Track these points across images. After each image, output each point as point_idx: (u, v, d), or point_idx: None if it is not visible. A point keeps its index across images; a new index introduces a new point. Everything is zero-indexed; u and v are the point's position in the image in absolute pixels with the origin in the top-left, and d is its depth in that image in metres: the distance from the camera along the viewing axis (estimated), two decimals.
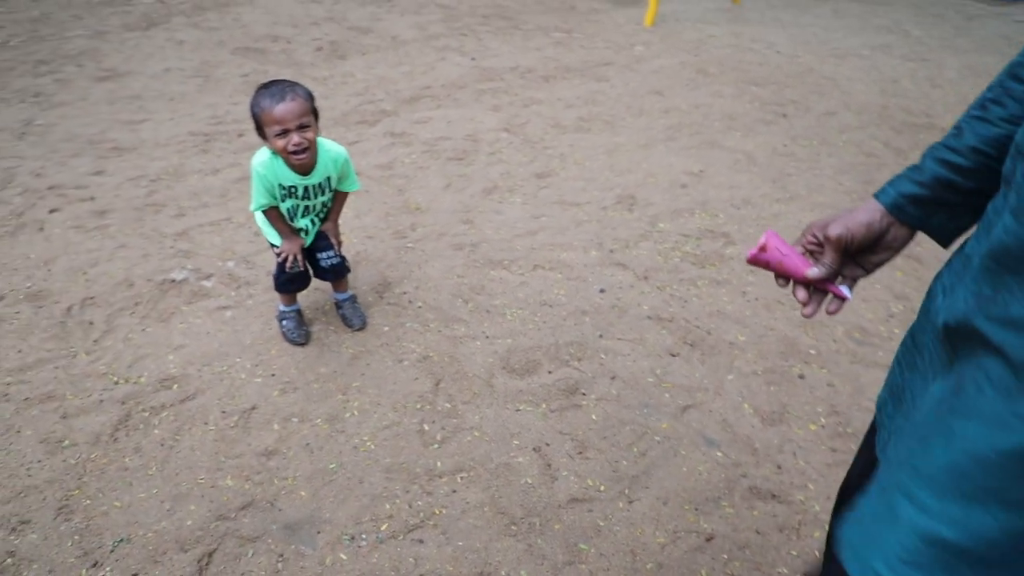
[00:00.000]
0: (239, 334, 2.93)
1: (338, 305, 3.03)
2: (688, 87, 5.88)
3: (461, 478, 2.33)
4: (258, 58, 6.45)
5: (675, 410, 2.62)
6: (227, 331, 2.94)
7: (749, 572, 2.10)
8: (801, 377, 2.82)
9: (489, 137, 4.80)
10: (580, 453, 2.43)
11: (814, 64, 6.63)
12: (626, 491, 2.31)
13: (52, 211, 3.81)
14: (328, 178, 2.59)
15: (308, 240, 2.76)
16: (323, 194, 2.62)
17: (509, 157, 4.52)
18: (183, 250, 3.47)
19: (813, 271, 1.20)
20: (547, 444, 2.46)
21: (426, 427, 2.51)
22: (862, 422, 2.63)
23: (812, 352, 2.95)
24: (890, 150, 4.85)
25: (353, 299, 3.04)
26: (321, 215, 2.73)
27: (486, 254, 3.48)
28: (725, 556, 2.13)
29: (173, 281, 3.24)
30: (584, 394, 2.67)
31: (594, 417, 2.57)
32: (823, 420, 2.63)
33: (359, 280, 3.27)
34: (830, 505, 2.31)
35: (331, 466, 2.35)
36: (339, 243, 2.80)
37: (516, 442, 2.46)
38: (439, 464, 2.37)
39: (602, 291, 3.24)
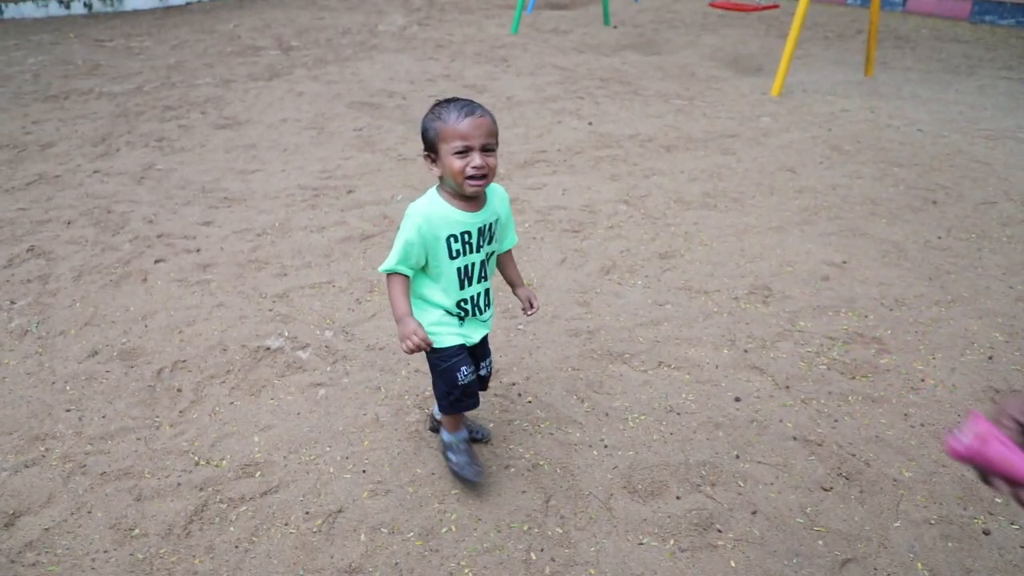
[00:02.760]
0: (331, 418, 2.67)
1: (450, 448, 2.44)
2: (822, 165, 5.43)
3: None
4: (372, 112, 6.43)
5: (832, 563, 2.16)
6: (319, 413, 2.69)
7: None
8: (986, 533, 2.31)
9: (607, 209, 4.50)
10: None
11: (963, 145, 6.05)
12: None
13: (158, 261, 3.72)
14: (496, 220, 2.15)
15: (477, 333, 2.25)
16: (490, 243, 2.16)
17: (629, 233, 4.19)
18: (281, 314, 3.28)
19: None
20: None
21: (533, 556, 2.14)
22: None
23: (998, 501, 2.43)
24: None
25: None
26: (488, 283, 2.24)
27: (604, 344, 3.13)
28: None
29: (268, 349, 3.04)
30: (720, 531, 2.25)
31: (733, 564, 2.14)
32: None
33: None
34: None
35: None
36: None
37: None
38: None
39: (738, 400, 2.82)
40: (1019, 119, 6.91)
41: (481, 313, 2.24)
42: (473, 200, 2.08)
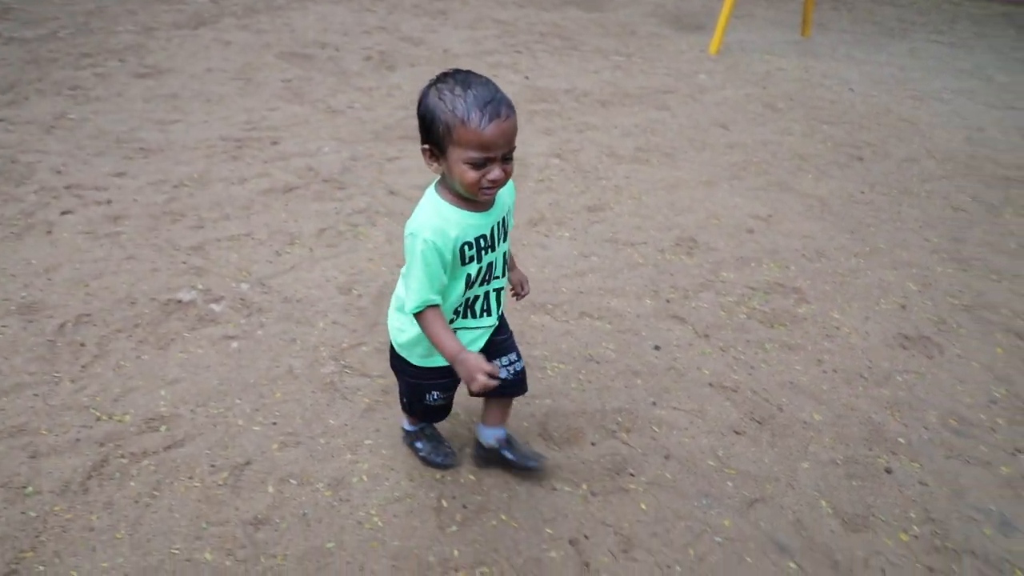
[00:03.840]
0: (243, 370, 2.59)
1: (503, 447, 2.17)
2: (755, 122, 5.46)
3: (481, 573, 1.94)
4: (303, 64, 6.21)
5: (740, 504, 2.20)
6: (230, 365, 2.61)
7: None
8: (888, 471, 2.38)
9: (539, 163, 4.44)
10: (625, 552, 2.03)
11: (891, 105, 6.17)
12: None
13: (64, 213, 3.54)
14: (508, 212, 1.85)
15: (482, 340, 1.96)
16: (505, 239, 1.85)
17: (559, 186, 4.15)
18: (195, 267, 3.16)
19: None
20: (586, 537, 2.06)
21: (444, 503, 2.13)
22: (963, 535, 2.18)
23: (901, 441, 2.51)
24: (980, 205, 4.37)
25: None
26: (500, 283, 1.93)
27: (529, 295, 3.10)
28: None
29: (179, 302, 2.92)
30: (633, 475, 2.27)
31: (644, 506, 2.16)
32: (916, 529, 2.19)
33: (384, 316, 2.92)
34: None
35: (328, 545, 1.98)
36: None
37: (549, 531, 2.07)
38: (456, 553, 1.99)
39: (657, 348, 2.84)
40: (945, 81, 7.06)
41: (475, 317, 1.90)
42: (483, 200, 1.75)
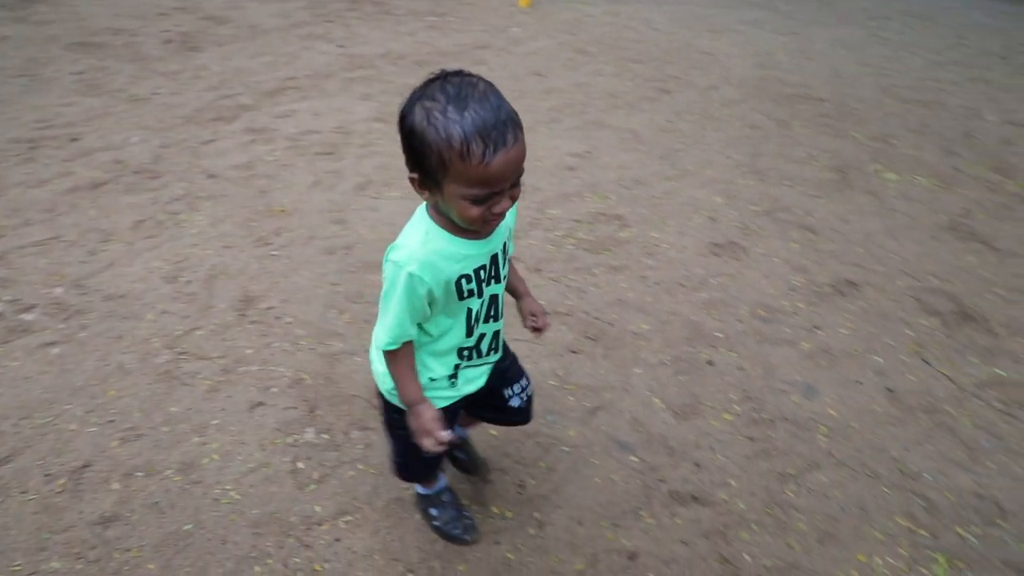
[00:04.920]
0: (69, 375, 2.45)
1: (459, 445, 2.09)
2: (568, 67, 5.68)
3: (345, 523, 1.99)
4: (96, 53, 5.76)
5: (582, 414, 2.38)
6: (53, 372, 2.46)
7: None
8: (710, 363, 2.64)
9: (361, 128, 4.42)
10: (481, 476, 2.14)
11: (692, 40, 6.59)
12: (536, 514, 2.04)
13: None
14: (509, 235, 1.57)
15: (474, 382, 1.69)
16: (506, 264, 1.57)
17: (384, 149, 4.16)
18: None
19: None
20: (442, 470, 2.15)
21: (300, 465, 2.15)
22: (776, 406, 2.48)
23: (719, 335, 2.78)
24: (773, 121, 4.81)
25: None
26: (501, 321, 1.64)
27: (362, 257, 3.13)
28: (652, 575, 1.90)
29: None
30: None
31: (494, 432, 2.29)
32: (737, 408, 2.46)
33: (216, 299, 2.85)
34: (755, 502, 2.14)
35: (186, 527, 1.96)
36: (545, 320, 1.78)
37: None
38: (318, 509, 2.02)
39: None
40: (739, 14, 7.62)
41: (481, 356, 1.65)
42: None
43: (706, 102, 5.07)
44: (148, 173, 3.81)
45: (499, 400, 1.79)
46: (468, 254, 1.43)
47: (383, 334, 1.47)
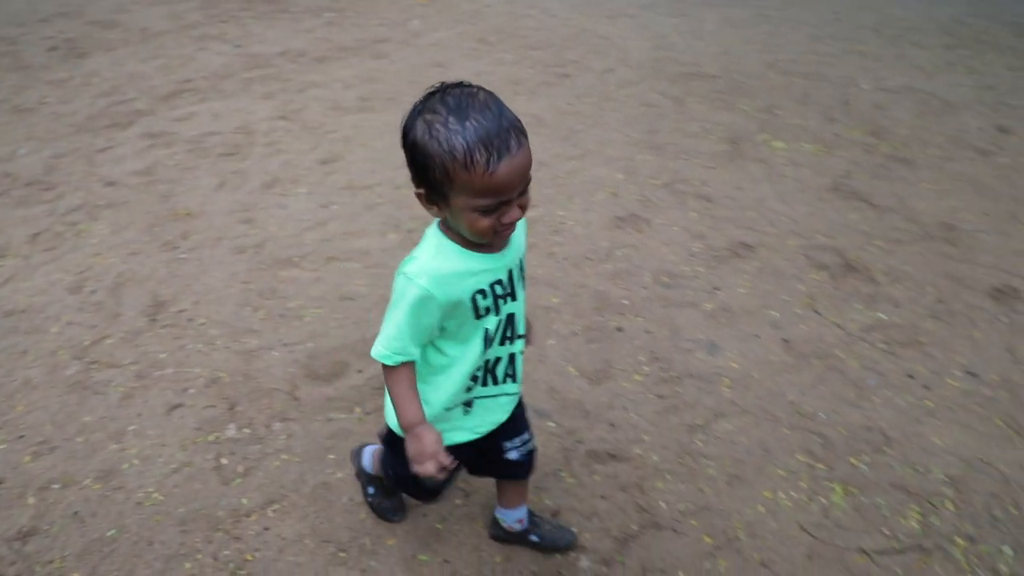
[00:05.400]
0: None
1: (529, 530, 1.94)
2: (469, 57, 5.75)
3: (273, 511, 2.02)
4: None
5: None
6: None
7: (600, 540, 2.00)
8: (619, 330, 2.78)
9: (263, 127, 4.37)
10: None
11: (588, 25, 6.75)
12: (461, 485, 2.11)
13: None
14: (519, 244, 1.51)
15: (489, 418, 1.63)
16: (522, 281, 1.52)
17: (288, 146, 4.13)
18: None
19: None
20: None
21: (224, 461, 2.16)
22: (682, 364, 2.63)
23: (625, 303, 2.92)
24: (668, 99, 5.00)
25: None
26: (516, 334, 1.56)
27: (272, 253, 3.12)
28: (574, 529, 2.00)
29: None
30: None
31: None
32: (646, 369, 2.59)
33: (124, 306, 2.80)
34: (668, 454, 2.27)
35: (110, 533, 1.95)
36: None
37: (332, 456, 2.18)
38: (245, 501, 2.04)
39: None
40: None
41: (496, 384, 1.58)
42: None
43: (604, 84, 5.23)
44: (41, 185, 3.68)
45: (495, 453, 1.71)
46: (483, 268, 1.39)
47: (378, 342, 1.40)
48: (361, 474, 2.01)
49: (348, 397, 2.39)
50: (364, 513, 2.02)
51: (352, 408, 2.34)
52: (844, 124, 4.79)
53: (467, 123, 1.19)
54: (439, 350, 1.48)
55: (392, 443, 1.67)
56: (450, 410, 1.55)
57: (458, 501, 2.06)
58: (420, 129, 1.24)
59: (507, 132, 1.21)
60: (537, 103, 4.82)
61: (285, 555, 1.90)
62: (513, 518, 1.89)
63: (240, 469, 2.13)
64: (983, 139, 4.66)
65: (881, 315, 2.97)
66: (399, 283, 1.37)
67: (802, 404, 2.51)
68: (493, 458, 1.72)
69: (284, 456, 2.17)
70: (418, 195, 1.32)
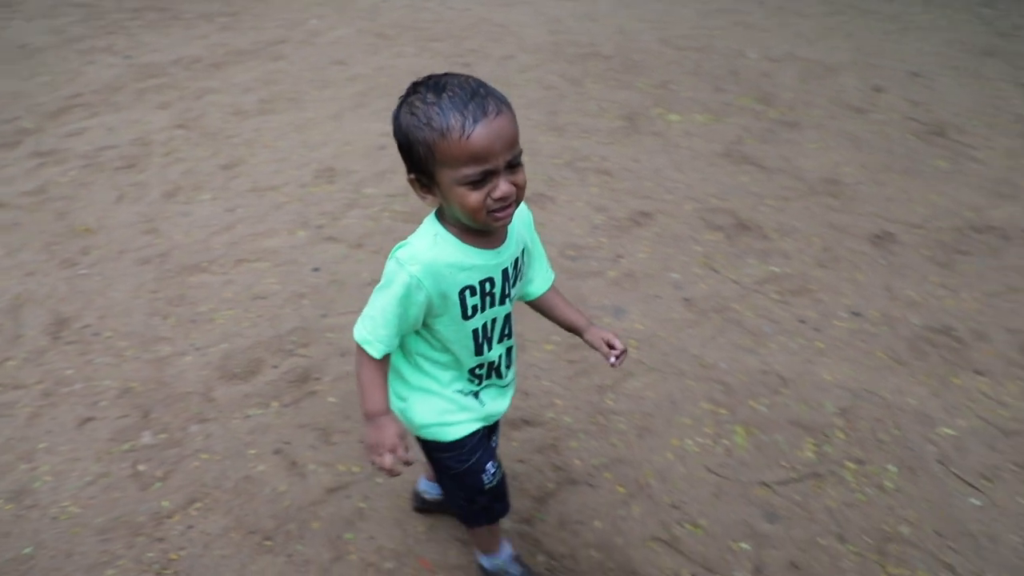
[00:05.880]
0: None
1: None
2: (369, 53, 5.75)
3: (196, 510, 2.03)
4: None
5: None
6: None
7: (520, 500, 2.09)
8: None
9: (161, 137, 4.29)
10: (326, 441, 2.25)
11: (485, 15, 6.83)
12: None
13: None
14: (523, 252, 1.48)
15: (500, 402, 1.61)
16: (515, 286, 1.48)
17: (188, 154, 4.07)
18: None
19: None
20: (287, 443, 2.24)
21: (141, 468, 2.16)
22: None
23: None
24: (566, 81, 5.14)
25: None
26: (513, 339, 1.56)
27: (179, 261, 3.10)
28: None
29: None
30: (318, 379, 2.48)
31: (332, 400, 2.39)
32: (556, 338, 2.70)
33: (25, 327, 2.73)
34: (580, 415, 2.38)
35: (26, 551, 1.93)
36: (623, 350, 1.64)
37: (253, 451, 2.21)
38: (166, 504, 2.05)
39: (316, 270, 3.04)
40: None
41: (501, 377, 1.57)
42: (494, 232, 1.38)
43: (504, 71, 5.33)
44: None
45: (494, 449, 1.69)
46: (476, 264, 1.35)
47: (362, 325, 1.37)
48: (424, 507, 1.98)
49: (265, 393, 2.41)
50: (288, 500, 2.06)
51: (269, 403, 2.37)
52: (734, 93, 5.02)
53: (443, 95, 1.21)
54: (421, 346, 1.46)
55: (437, 462, 1.61)
56: (463, 394, 1.52)
57: (380, 480, 2.12)
58: (404, 114, 1.25)
59: (483, 98, 1.21)
60: None
61: (211, 550, 1.92)
62: (437, 489, 1.93)
63: (159, 473, 2.13)
64: (860, 98, 4.96)
65: (773, 268, 3.16)
66: (390, 267, 1.34)
67: (704, 356, 2.67)
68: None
69: (203, 456, 2.19)
70: (411, 182, 1.32)
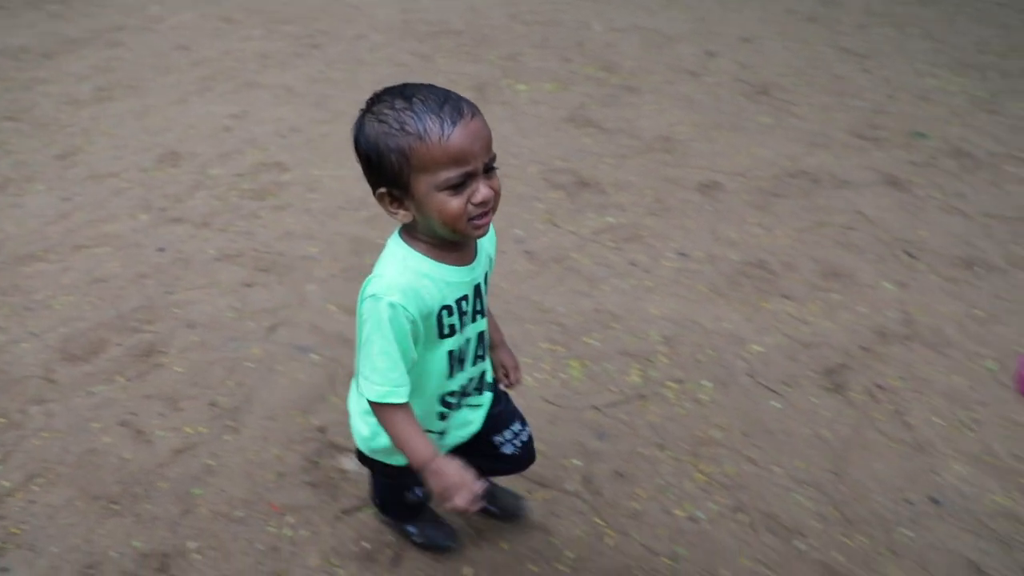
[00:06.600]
0: None
1: (488, 498, 1.89)
2: (215, 37, 5.63)
3: (38, 485, 2.04)
4: None
5: (263, 333, 2.60)
6: None
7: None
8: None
9: None
10: (173, 408, 2.29)
11: None
12: (230, 423, 2.24)
13: None
14: (490, 266, 1.46)
15: (465, 428, 1.59)
16: (486, 295, 1.45)
17: (19, 146, 3.91)
18: None
19: None
20: (134, 414, 2.26)
21: None
22: None
23: (380, 242, 3.08)
24: (417, 57, 5.23)
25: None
26: (488, 361, 1.55)
27: (12, 252, 3.01)
28: (340, 438, 2.20)
29: None
30: (163, 352, 2.50)
31: (179, 369, 2.43)
32: None
33: None
34: None
35: None
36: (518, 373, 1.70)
37: (97, 425, 2.22)
38: (6, 484, 2.04)
39: (161, 250, 3.03)
40: None
41: (469, 396, 1.54)
42: (465, 247, 1.34)
43: (355, 50, 5.36)
44: None
45: (489, 448, 1.66)
46: (450, 281, 1.31)
47: (370, 383, 1.28)
48: (392, 523, 1.94)
49: (108, 369, 2.42)
50: (135, 466, 2.09)
51: (114, 378, 2.38)
52: (579, 63, 5.27)
53: (414, 100, 1.16)
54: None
55: (373, 466, 1.65)
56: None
57: (227, 437, 2.19)
58: (369, 124, 1.20)
59: (456, 101, 1.18)
60: (288, 74, 4.86)
61: (56, 520, 1.94)
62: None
63: None
64: (695, 64, 5.32)
65: (610, 219, 3.41)
66: (368, 308, 1.25)
67: (543, 302, 2.86)
68: (487, 453, 1.66)
69: (44, 434, 2.18)
70: (380, 197, 1.25)
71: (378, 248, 1.36)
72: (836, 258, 3.19)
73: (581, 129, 4.26)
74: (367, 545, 1.93)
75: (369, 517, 1.99)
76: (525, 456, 1.73)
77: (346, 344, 2.56)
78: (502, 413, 1.65)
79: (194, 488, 2.03)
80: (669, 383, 2.52)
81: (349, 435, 2.21)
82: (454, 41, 5.57)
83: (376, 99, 1.21)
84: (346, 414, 2.04)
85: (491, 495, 1.92)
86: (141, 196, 3.42)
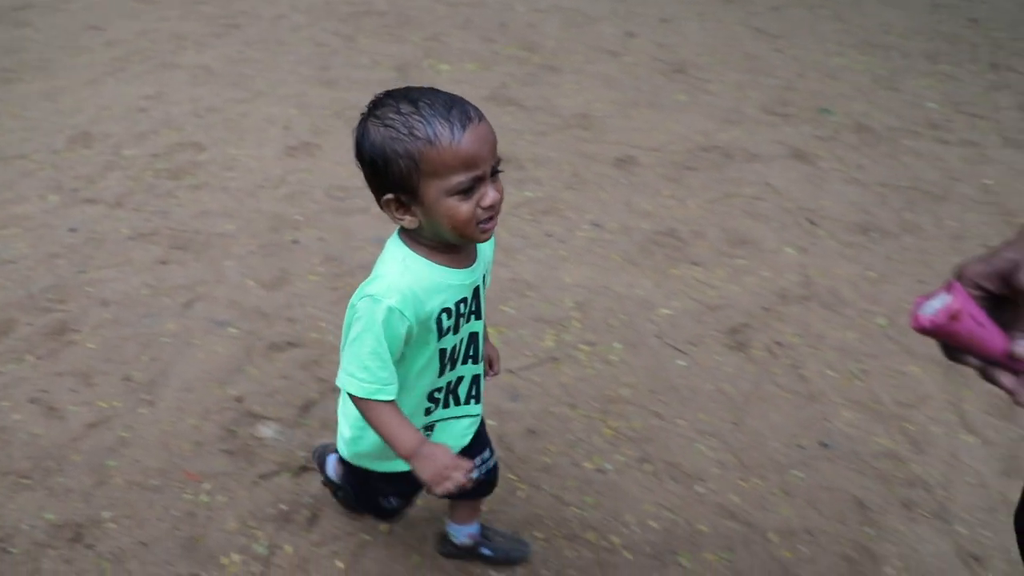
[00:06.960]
0: None
1: (481, 543, 1.87)
2: (129, 17, 5.48)
3: None
4: None
5: (179, 309, 2.60)
6: None
7: (285, 410, 2.25)
8: (295, 242, 3.00)
9: None
10: (86, 384, 2.28)
11: None
12: (145, 397, 2.25)
13: None
14: (488, 261, 1.45)
15: (468, 432, 1.59)
16: (484, 296, 1.45)
17: None
18: None
19: (1021, 347, 0.82)
20: (44, 391, 2.25)
21: None
22: (354, 259, 2.93)
23: (299, 219, 3.15)
24: (339, 37, 5.21)
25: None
26: (480, 354, 1.52)
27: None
28: (257, 407, 2.24)
29: None
30: (76, 330, 2.48)
31: (91, 346, 2.42)
32: (321, 269, 2.86)
33: None
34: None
35: None
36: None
37: (6, 403, 2.20)
38: None
39: (73, 230, 2.98)
40: None
41: (460, 404, 1.52)
42: (466, 249, 1.34)
43: (276, 30, 5.30)
44: None
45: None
46: (451, 284, 1.30)
47: (353, 382, 1.28)
48: (330, 483, 1.91)
49: (18, 348, 2.39)
50: (46, 442, 2.09)
51: (23, 357, 2.36)
52: (502, 43, 5.33)
53: (420, 104, 1.16)
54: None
55: (348, 470, 1.67)
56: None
57: (142, 411, 2.21)
58: (373, 128, 1.18)
59: (462, 104, 1.18)
60: (206, 54, 4.79)
61: None
62: (464, 533, 1.84)
63: None
64: (615, 43, 5.44)
65: (528, 193, 3.50)
66: (363, 308, 1.24)
67: None
68: None
69: None
70: (386, 204, 1.24)
71: (299, 224, 1.41)
72: (743, 227, 3.35)
73: (502, 108, 4.33)
74: (284, 507, 1.98)
75: (287, 480, 2.04)
76: (490, 482, 1.74)
77: (264, 318, 2.59)
78: (477, 437, 1.63)
79: (108, 460, 2.05)
80: (581, 346, 2.63)
81: (267, 403, 2.27)
82: (377, 22, 5.55)
83: (378, 103, 1.20)
84: (264, 383, 2.09)
85: (487, 538, 1.89)
86: (52, 177, 3.35)
